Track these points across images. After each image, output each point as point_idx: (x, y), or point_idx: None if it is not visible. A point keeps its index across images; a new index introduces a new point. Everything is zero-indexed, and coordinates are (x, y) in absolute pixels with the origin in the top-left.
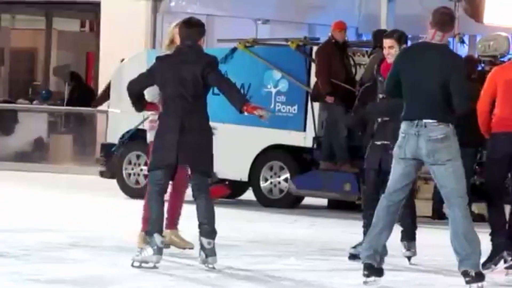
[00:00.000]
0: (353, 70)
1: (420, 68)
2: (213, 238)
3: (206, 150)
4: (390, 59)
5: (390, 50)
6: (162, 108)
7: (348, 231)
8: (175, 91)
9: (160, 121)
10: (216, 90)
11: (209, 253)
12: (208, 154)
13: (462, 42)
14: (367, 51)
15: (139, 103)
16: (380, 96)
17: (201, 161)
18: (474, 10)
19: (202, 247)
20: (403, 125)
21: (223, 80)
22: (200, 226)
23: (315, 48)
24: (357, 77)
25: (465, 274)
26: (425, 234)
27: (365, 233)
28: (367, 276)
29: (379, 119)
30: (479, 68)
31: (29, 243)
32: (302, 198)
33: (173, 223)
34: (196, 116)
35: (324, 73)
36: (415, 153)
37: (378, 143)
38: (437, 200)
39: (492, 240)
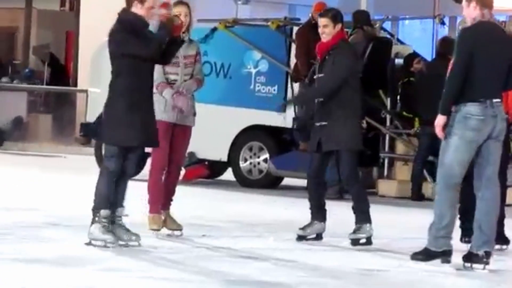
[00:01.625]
0: None
1: (493, 47)
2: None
3: None
4: (325, 38)
5: (325, 29)
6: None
7: (327, 211)
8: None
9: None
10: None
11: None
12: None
13: (442, 23)
14: (347, 32)
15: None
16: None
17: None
18: None
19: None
20: (474, 107)
21: None
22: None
23: (295, 29)
24: None
25: (487, 255)
26: (406, 215)
27: (312, 214)
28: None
29: (316, 100)
30: None
31: (8, 222)
32: (281, 178)
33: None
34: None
35: (303, 55)
36: (490, 134)
37: (317, 124)
38: (417, 182)
39: None
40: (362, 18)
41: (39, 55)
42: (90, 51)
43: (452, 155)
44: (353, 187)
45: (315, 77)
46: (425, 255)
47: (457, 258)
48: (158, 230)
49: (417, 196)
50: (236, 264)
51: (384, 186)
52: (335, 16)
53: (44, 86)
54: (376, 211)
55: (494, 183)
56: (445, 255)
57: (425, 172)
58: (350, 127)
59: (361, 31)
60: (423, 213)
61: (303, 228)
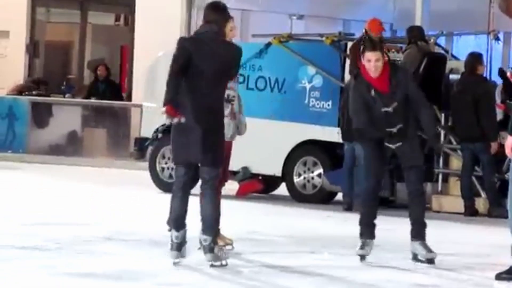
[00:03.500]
0: None
1: None
2: (210, 235)
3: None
4: (375, 72)
5: (377, 63)
6: (187, 93)
7: (381, 227)
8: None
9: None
10: (250, 85)
11: (206, 250)
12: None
13: (497, 39)
14: (401, 48)
15: (174, 90)
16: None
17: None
18: (509, 6)
19: (200, 243)
20: None
21: None
22: (201, 221)
23: (349, 44)
24: None
25: None
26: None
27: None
28: None
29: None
30: None
31: (63, 236)
32: (335, 193)
33: None
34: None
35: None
36: None
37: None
38: (468, 197)
39: None
40: (416, 34)
41: (93, 69)
42: (144, 66)
43: None
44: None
45: (383, 109)
46: (510, 274)
47: None
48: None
49: (470, 212)
50: (290, 280)
51: (439, 202)
52: (383, 47)
53: (96, 101)
54: (430, 226)
55: None
56: None
57: (478, 187)
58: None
59: (416, 46)
60: (475, 229)
61: (362, 248)
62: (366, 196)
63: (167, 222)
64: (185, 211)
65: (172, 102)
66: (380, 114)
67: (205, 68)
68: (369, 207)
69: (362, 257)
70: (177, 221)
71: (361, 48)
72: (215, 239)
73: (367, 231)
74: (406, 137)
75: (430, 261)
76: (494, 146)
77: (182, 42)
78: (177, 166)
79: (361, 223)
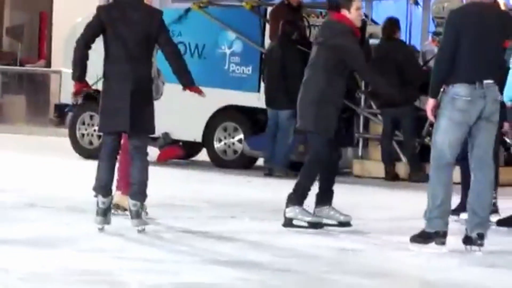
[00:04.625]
0: (307, 32)
1: (481, 28)
2: (139, 200)
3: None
4: (359, 23)
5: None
6: (106, 64)
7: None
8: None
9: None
10: None
11: (133, 215)
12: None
13: (416, 3)
14: (321, 12)
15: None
16: None
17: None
18: None
19: (128, 208)
20: (461, 89)
21: (174, 46)
22: (130, 186)
23: (269, 9)
24: (311, 39)
25: (481, 237)
26: (377, 195)
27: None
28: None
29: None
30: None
31: None
32: (256, 159)
33: (126, 187)
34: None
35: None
36: (479, 114)
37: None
38: (388, 162)
39: None
40: None
41: (13, 35)
42: (64, 32)
43: (442, 136)
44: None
45: None
46: (422, 237)
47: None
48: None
49: (391, 176)
50: (211, 245)
51: (360, 166)
52: None
53: (17, 67)
54: (352, 191)
55: (486, 164)
56: (439, 236)
57: (399, 151)
58: None
59: None
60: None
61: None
62: None
63: (93, 188)
64: (112, 177)
65: (80, 79)
66: None
67: (126, 35)
68: None
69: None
70: (105, 187)
71: None
72: (143, 205)
73: None
74: None
75: (346, 224)
76: (432, 102)
77: (97, 10)
78: (104, 134)
79: None
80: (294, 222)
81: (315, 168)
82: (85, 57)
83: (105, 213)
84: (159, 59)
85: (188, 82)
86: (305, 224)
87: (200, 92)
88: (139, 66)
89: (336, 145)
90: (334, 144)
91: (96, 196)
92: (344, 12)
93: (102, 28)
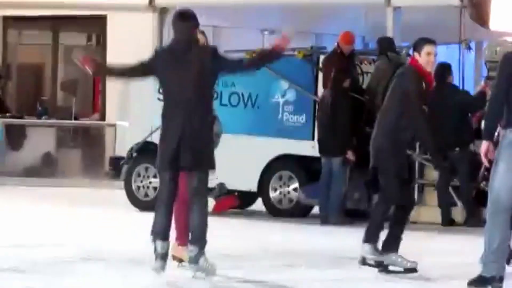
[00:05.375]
0: (360, 79)
1: None
2: (197, 246)
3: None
4: (430, 67)
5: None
6: (164, 107)
7: (360, 238)
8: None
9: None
10: (224, 101)
11: (191, 260)
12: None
13: (469, 48)
14: (373, 59)
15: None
16: None
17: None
18: (480, 15)
19: (187, 255)
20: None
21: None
22: (190, 231)
23: (322, 58)
24: (364, 86)
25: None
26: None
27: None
28: None
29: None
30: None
31: (40, 257)
32: (311, 207)
33: (182, 237)
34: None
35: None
36: None
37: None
38: (443, 208)
39: None
40: (385, 45)
41: (67, 90)
42: (117, 86)
43: (499, 181)
44: None
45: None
46: (479, 281)
47: None
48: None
49: (447, 222)
50: None
51: (415, 212)
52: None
53: (72, 121)
54: (408, 237)
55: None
56: (495, 281)
57: (454, 197)
58: None
59: (385, 57)
60: (454, 238)
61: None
62: None
63: (151, 233)
64: (170, 222)
65: (101, 67)
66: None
67: (179, 77)
68: None
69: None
70: (164, 231)
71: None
72: (202, 251)
73: None
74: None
75: (412, 270)
76: (485, 146)
77: (154, 52)
78: (162, 172)
79: None
80: (367, 260)
81: (386, 207)
82: (124, 73)
83: (164, 258)
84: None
85: (270, 52)
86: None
87: (286, 39)
88: (196, 106)
89: (410, 191)
90: (407, 190)
91: (154, 241)
92: (416, 56)
93: (151, 69)
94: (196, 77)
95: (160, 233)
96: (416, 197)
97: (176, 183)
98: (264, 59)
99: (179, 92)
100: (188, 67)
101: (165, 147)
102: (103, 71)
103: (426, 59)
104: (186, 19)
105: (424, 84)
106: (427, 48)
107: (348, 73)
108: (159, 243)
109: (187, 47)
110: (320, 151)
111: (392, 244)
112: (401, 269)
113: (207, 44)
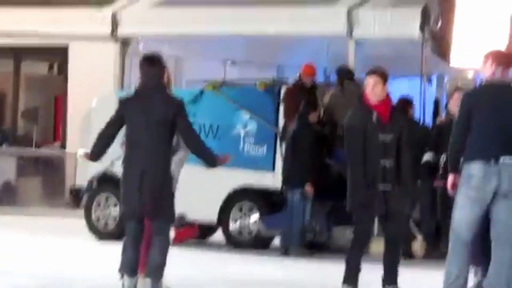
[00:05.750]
0: (321, 111)
1: (496, 108)
2: (152, 278)
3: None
4: (375, 96)
5: (376, 88)
6: (125, 153)
7: (320, 270)
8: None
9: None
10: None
11: None
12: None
13: (429, 81)
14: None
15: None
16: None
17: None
18: (442, 49)
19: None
20: (475, 166)
21: (192, 130)
22: (147, 265)
23: (283, 89)
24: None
25: None
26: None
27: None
28: None
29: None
30: None
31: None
32: (271, 239)
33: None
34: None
35: (292, 114)
36: (496, 191)
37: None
38: (406, 239)
39: None
40: (343, 74)
41: (28, 118)
42: (79, 115)
43: (459, 214)
44: None
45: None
46: None
47: None
48: None
49: (407, 255)
50: None
51: (375, 244)
52: (384, 74)
53: (32, 150)
54: (368, 269)
55: (502, 243)
56: None
57: (415, 229)
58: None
59: (340, 86)
60: (414, 271)
61: None
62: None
63: (119, 270)
64: (138, 258)
65: (93, 155)
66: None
67: (142, 121)
68: None
69: None
70: (131, 268)
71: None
72: (155, 285)
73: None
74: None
75: None
76: (451, 178)
77: (118, 104)
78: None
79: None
80: None
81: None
82: (106, 145)
83: None
84: None
85: (213, 163)
86: None
87: (226, 160)
88: (154, 151)
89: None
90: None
91: (121, 277)
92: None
93: (121, 120)
94: (157, 123)
95: (128, 269)
96: (375, 229)
97: (141, 223)
98: (207, 157)
99: (140, 136)
100: (152, 113)
101: (126, 193)
102: (98, 153)
103: (370, 90)
104: (154, 64)
105: (374, 116)
106: (367, 80)
107: (316, 106)
108: (126, 280)
109: (153, 92)
110: (283, 181)
111: (392, 277)
112: None
113: (175, 98)
